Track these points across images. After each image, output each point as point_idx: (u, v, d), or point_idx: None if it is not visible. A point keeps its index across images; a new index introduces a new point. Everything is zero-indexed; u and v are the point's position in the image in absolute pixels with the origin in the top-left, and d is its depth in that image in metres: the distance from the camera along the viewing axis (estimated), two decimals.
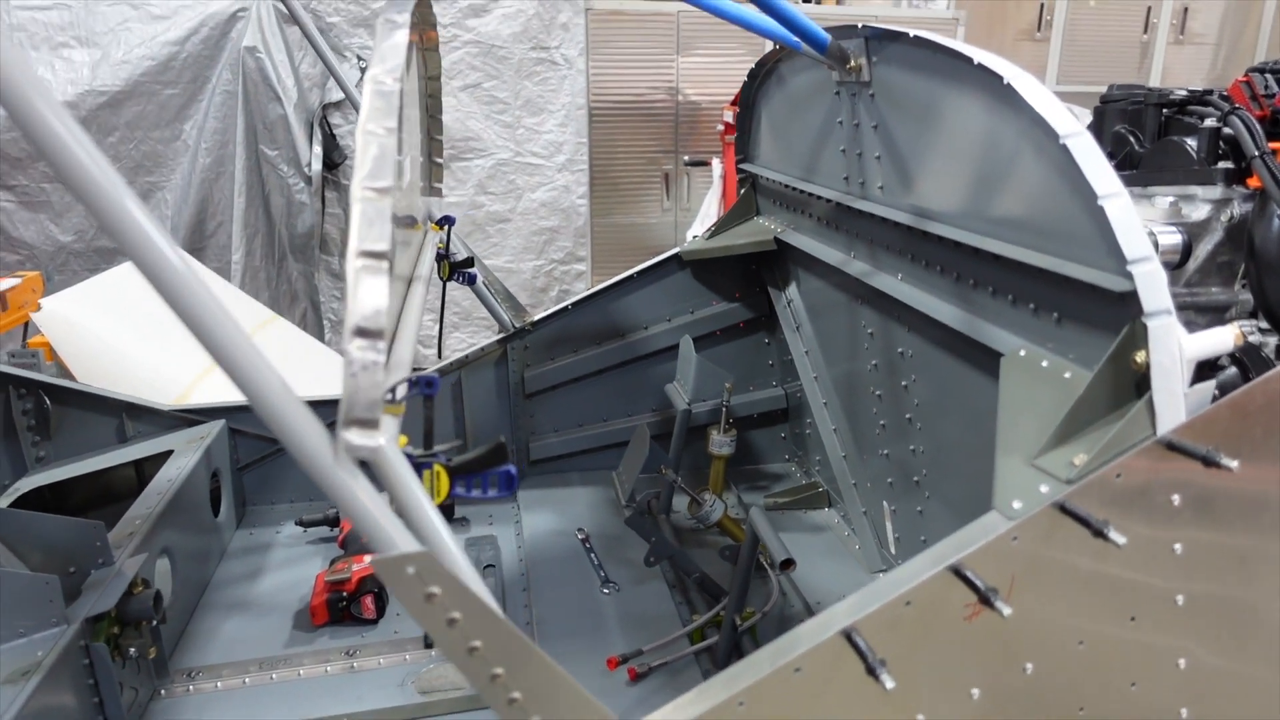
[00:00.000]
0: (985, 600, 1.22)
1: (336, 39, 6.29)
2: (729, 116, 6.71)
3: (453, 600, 1.17)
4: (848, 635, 1.23)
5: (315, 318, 6.58)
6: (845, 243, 2.58)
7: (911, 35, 1.92)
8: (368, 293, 1.13)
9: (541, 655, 1.19)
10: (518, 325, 3.17)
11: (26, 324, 5.10)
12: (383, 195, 1.11)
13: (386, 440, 1.26)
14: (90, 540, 2.18)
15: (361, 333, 1.11)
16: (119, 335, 4.32)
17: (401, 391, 1.40)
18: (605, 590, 2.66)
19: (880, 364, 2.55)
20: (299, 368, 4.78)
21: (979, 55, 1.67)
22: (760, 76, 2.98)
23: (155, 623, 2.20)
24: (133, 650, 2.12)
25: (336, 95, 6.32)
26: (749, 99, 3.11)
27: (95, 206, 0.99)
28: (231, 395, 3.08)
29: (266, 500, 3.15)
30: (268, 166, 6.31)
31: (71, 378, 4.28)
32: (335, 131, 6.45)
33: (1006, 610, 1.21)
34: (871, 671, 1.20)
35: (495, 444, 1.63)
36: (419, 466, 1.39)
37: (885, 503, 2.67)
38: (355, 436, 1.13)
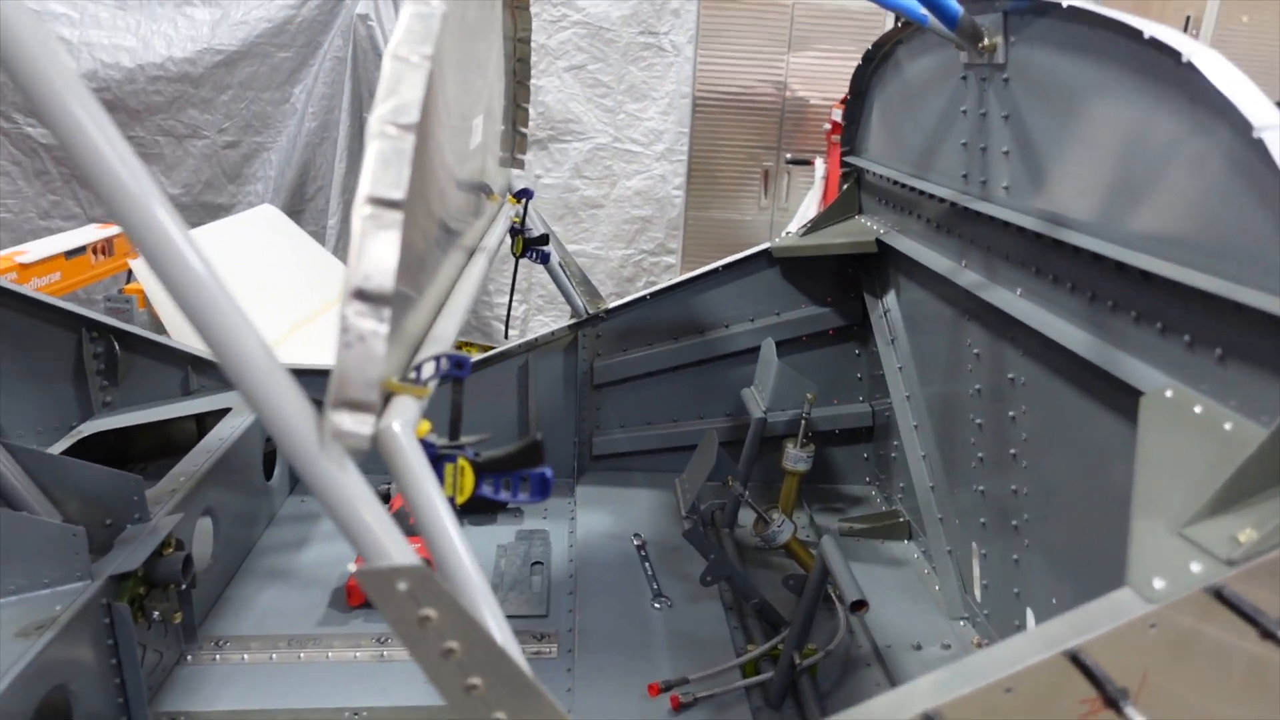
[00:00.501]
0: (1111, 701, 0.96)
1: None
2: (838, 115, 6.38)
3: (450, 627, 0.99)
4: None
5: None
6: (957, 249, 2.31)
7: (1065, 5, 1.65)
8: (376, 249, 0.94)
9: (553, 705, 0.99)
10: (591, 311, 3.00)
11: (129, 271, 5.25)
12: (405, 133, 0.93)
13: (401, 426, 1.08)
14: (128, 493, 2.11)
15: (362, 296, 0.93)
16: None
17: (428, 371, 1.23)
18: (656, 605, 2.46)
19: (985, 389, 2.26)
20: None
21: (1151, 29, 1.38)
22: (877, 59, 2.71)
23: (184, 587, 2.12)
24: (156, 613, 2.04)
25: None
26: (861, 85, 2.84)
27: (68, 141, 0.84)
28: (310, 358, 3.03)
29: None
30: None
31: (160, 327, 4.35)
32: None
33: (1139, 718, 0.95)
34: None
35: (530, 441, 1.44)
36: (441, 459, 1.22)
37: (975, 544, 2.38)
38: (346, 421, 0.95)
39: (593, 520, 2.86)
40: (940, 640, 2.38)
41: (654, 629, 2.36)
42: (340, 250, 6.10)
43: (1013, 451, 2.13)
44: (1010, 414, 2.12)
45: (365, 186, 0.95)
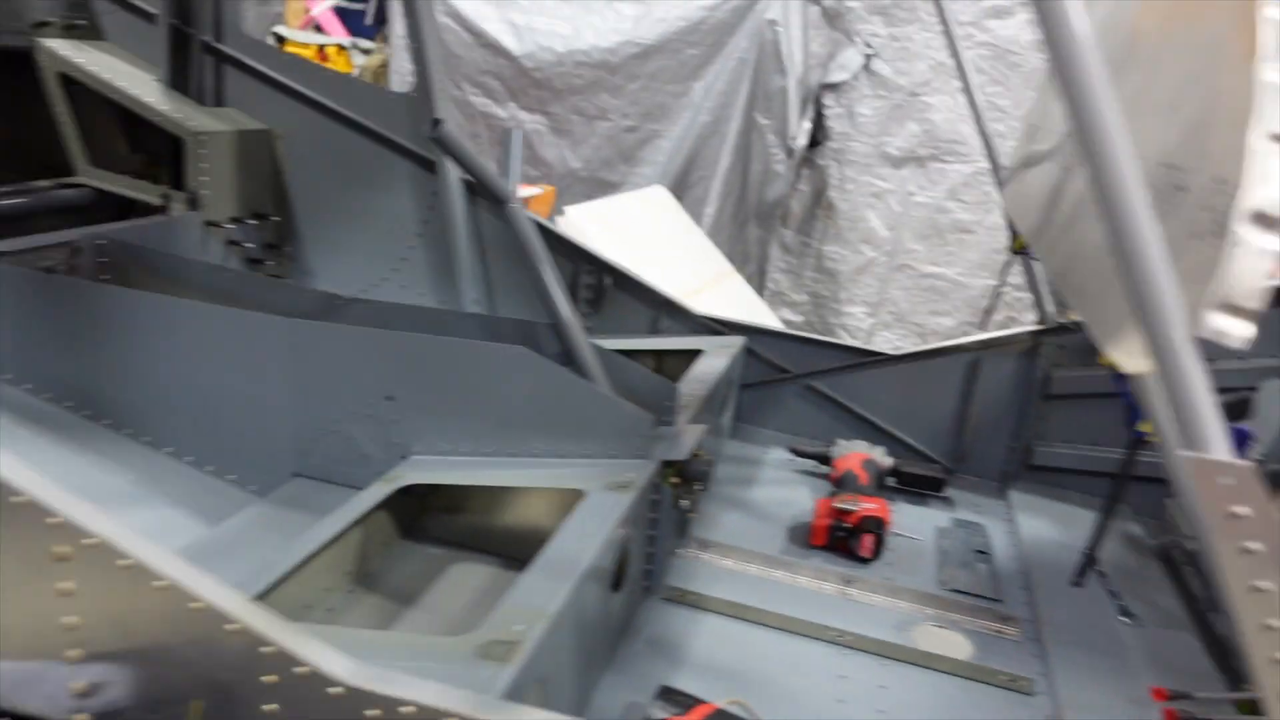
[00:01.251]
0: None
1: (850, 24, 6.44)
2: None
3: (1259, 529, 1.05)
4: None
5: (759, 282, 6.88)
6: None
7: None
8: (1275, 177, 1.05)
9: None
10: (1060, 321, 2.96)
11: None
12: None
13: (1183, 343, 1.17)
14: (665, 397, 2.40)
15: (1260, 219, 1.05)
16: (620, 251, 4.84)
17: None
18: (1123, 619, 2.39)
19: None
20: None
21: None
22: None
23: (704, 488, 2.38)
24: (683, 503, 2.31)
25: (835, 77, 6.49)
26: None
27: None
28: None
29: (757, 422, 3.29)
30: (756, 134, 6.68)
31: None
32: (826, 112, 6.63)
33: None
34: None
35: None
36: None
37: None
38: (1223, 321, 1.07)
39: (1034, 525, 2.82)
40: None
41: (1124, 640, 2.29)
42: (715, 237, 6.48)
43: None
44: None
45: (1262, 124, 1.06)
